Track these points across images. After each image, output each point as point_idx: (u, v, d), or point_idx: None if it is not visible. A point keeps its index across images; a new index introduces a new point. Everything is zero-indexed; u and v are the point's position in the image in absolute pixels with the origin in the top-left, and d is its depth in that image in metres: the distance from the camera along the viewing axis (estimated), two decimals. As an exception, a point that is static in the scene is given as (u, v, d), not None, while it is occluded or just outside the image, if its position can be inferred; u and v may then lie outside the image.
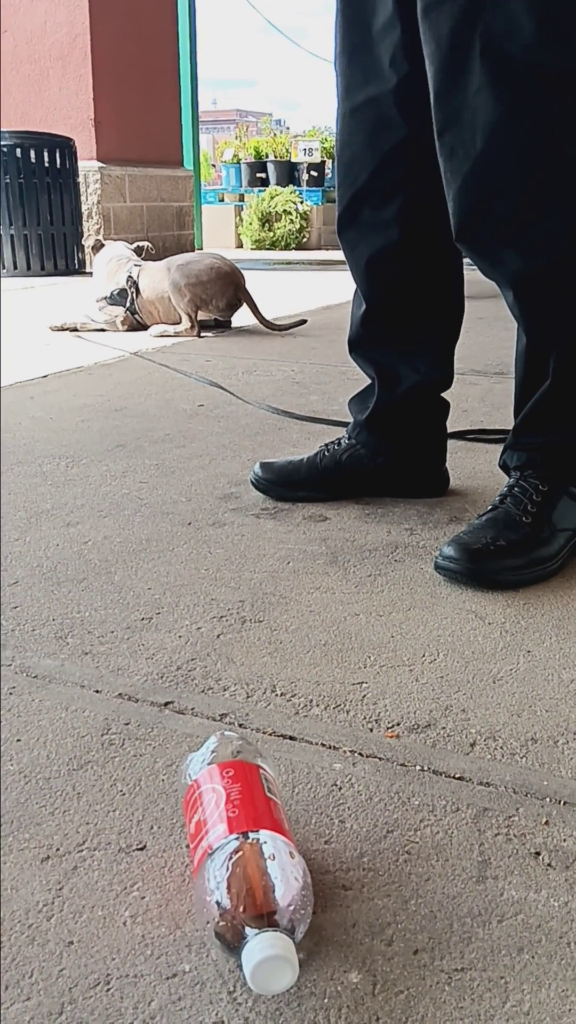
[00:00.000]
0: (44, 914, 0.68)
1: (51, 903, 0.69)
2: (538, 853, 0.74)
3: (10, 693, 0.98)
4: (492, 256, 1.29)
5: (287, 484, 1.59)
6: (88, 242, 4.01)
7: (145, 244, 3.93)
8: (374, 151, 1.40)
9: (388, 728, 0.91)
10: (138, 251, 3.82)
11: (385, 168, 1.41)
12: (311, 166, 10.20)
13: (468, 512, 1.52)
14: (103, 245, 3.81)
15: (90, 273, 3.89)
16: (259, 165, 10.60)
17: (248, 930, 0.59)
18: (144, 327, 3.59)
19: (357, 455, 1.58)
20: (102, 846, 0.75)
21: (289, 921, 0.61)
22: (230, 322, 3.69)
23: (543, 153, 1.19)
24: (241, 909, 0.60)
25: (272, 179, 10.38)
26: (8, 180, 5.98)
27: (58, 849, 0.74)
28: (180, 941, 0.66)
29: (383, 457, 1.58)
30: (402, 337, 1.53)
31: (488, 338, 3.29)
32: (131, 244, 3.89)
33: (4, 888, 0.70)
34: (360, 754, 0.87)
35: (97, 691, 0.98)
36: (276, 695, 0.98)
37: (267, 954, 0.57)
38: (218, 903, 0.61)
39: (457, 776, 0.84)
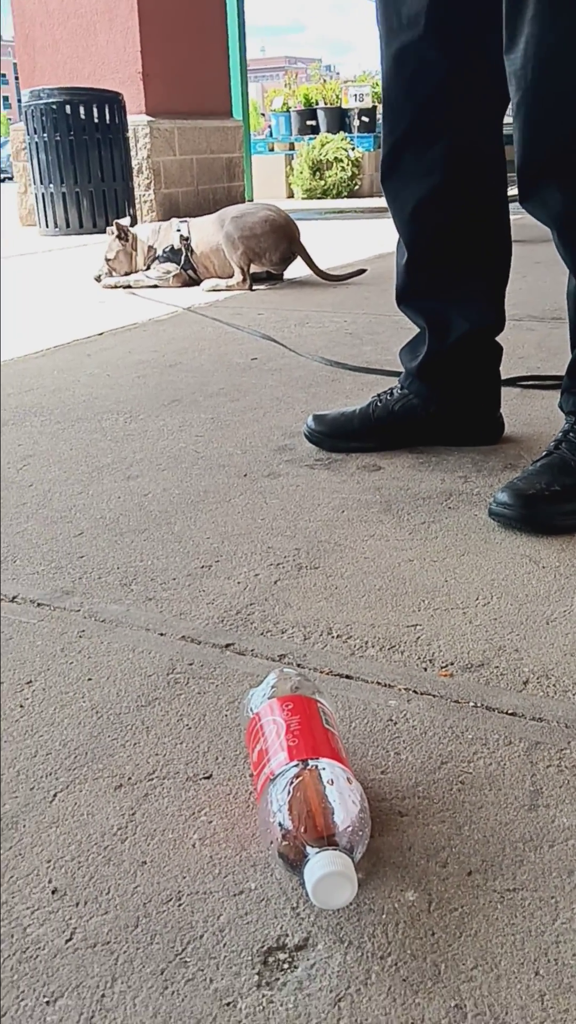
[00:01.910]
0: (118, 837, 0.73)
1: (124, 827, 0.74)
2: (589, 784, 0.76)
3: (80, 636, 1.03)
4: (539, 193, 1.27)
5: (340, 435, 1.61)
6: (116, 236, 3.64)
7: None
8: (414, 97, 1.39)
9: (442, 667, 0.94)
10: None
11: (425, 113, 1.40)
12: (362, 112, 10.00)
13: (523, 459, 1.52)
14: (125, 234, 3.64)
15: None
16: (309, 112, 10.43)
17: (309, 849, 0.63)
18: (196, 283, 3.60)
19: (410, 405, 1.59)
20: (171, 775, 0.79)
21: (348, 841, 0.64)
22: (282, 275, 3.68)
23: None
24: (302, 830, 0.64)
25: (323, 126, 10.21)
26: (59, 138, 5.99)
27: (130, 778, 0.79)
28: (246, 862, 0.70)
29: (436, 406, 1.58)
30: (449, 285, 1.52)
31: (546, 283, 3.24)
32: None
33: (80, 814, 0.75)
34: (415, 691, 0.90)
35: (162, 634, 1.03)
36: (332, 637, 1.01)
37: (328, 870, 0.61)
38: (281, 825, 0.65)
39: (510, 712, 0.86)
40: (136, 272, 3.65)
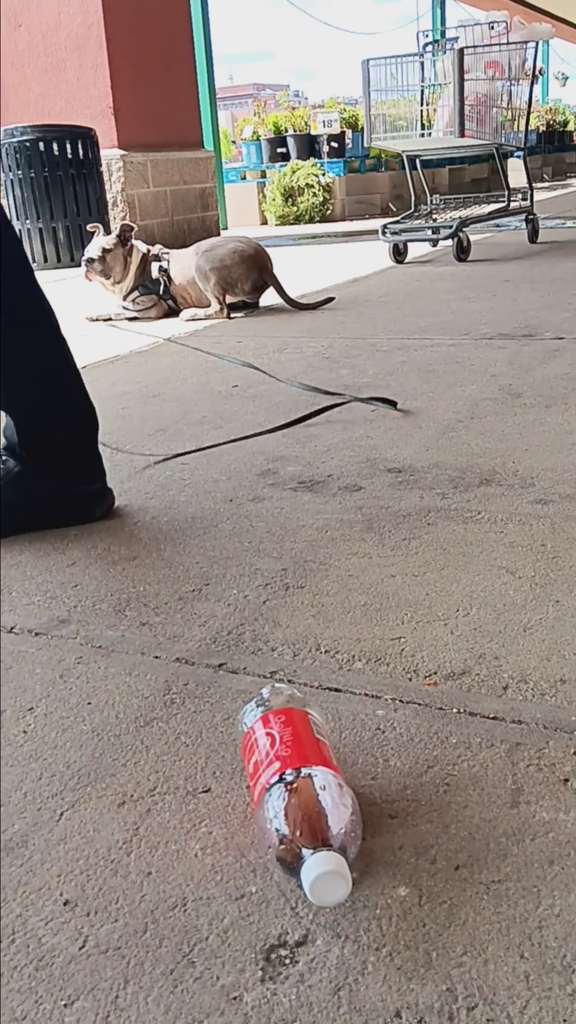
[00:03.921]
0: (124, 850, 0.77)
1: (129, 841, 0.78)
2: (567, 780, 0.81)
3: (77, 662, 1.07)
4: None
5: None
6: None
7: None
8: None
9: (426, 677, 0.99)
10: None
11: None
12: (331, 137, 10.14)
13: (498, 474, 1.58)
14: (127, 239, 3.64)
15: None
16: (279, 140, 10.57)
17: (305, 851, 0.67)
18: (176, 313, 3.66)
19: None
20: (171, 790, 0.83)
21: (341, 843, 0.68)
22: (257, 303, 3.75)
23: None
24: (298, 834, 0.68)
25: (293, 153, 10.36)
26: (33, 174, 6.06)
27: (132, 795, 0.83)
28: (246, 868, 0.74)
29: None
30: None
31: (515, 301, 3.32)
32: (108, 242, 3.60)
33: (87, 830, 0.79)
34: (401, 701, 0.95)
35: (156, 657, 1.07)
36: (321, 653, 1.05)
37: (323, 869, 0.65)
38: (277, 831, 0.69)
39: (491, 716, 0.91)
40: (125, 280, 3.63)
